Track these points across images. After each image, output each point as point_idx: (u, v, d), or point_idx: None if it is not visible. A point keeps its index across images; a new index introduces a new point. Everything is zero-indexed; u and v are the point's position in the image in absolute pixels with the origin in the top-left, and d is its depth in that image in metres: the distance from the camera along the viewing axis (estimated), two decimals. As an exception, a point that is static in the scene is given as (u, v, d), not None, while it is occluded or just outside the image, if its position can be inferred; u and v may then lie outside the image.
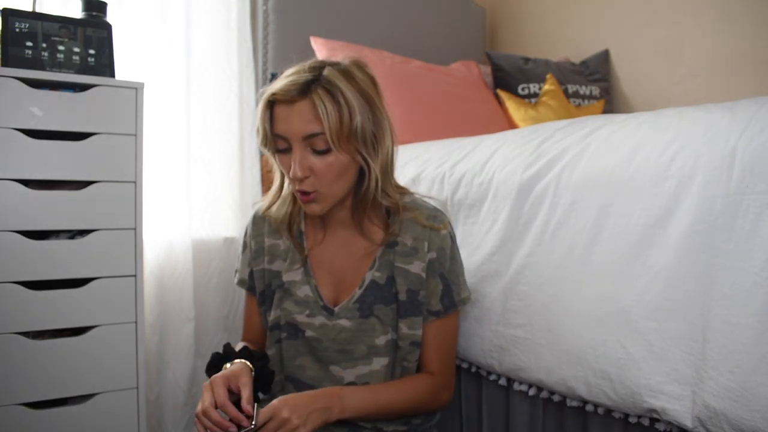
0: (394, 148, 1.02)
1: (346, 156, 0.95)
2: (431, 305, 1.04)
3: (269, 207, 1.09)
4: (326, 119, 0.90)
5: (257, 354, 1.00)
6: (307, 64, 0.96)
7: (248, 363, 0.96)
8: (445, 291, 1.04)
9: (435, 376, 1.05)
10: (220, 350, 1.01)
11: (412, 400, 1.02)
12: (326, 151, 0.93)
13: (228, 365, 0.96)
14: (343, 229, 1.06)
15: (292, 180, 0.96)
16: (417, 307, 1.03)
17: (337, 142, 0.92)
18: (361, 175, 0.99)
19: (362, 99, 0.94)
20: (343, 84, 0.93)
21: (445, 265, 1.04)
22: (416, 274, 1.02)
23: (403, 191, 1.07)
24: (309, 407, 0.89)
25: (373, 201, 1.01)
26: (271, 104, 0.95)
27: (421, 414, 1.07)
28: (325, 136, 0.91)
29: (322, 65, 0.95)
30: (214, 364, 0.99)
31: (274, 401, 0.89)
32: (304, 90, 0.91)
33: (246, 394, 0.88)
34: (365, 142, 0.95)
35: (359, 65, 0.98)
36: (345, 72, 0.95)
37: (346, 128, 0.92)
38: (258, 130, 0.97)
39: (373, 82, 0.99)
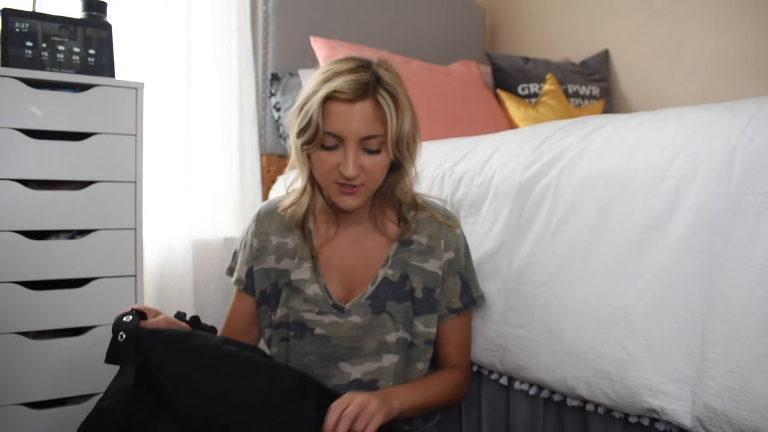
0: None
1: (391, 155, 0.97)
2: (452, 303, 1.07)
3: (289, 207, 1.07)
4: (390, 120, 0.92)
5: (205, 326, 1.00)
6: (350, 62, 0.95)
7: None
8: (464, 288, 1.07)
9: (460, 370, 1.10)
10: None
11: (446, 394, 1.06)
12: (378, 151, 0.95)
13: None
14: (355, 226, 1.07)
15: (344, 177, 0.95)
16: (432, 305, 1.05)
17: (392, 144, 0.94)
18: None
19: (408, 101, 0.96)
20: (399, 87, 0.94)
21: (462, 264, 1.07)
22: (432, 272, 1.04)
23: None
24: (376, 400, 0.91)
25: (393, 197, 1.03)
26: (325, 100, 0.93)
27: (448, 407, 1.12)
28: (384, 137, 0.93)
29: (370, 63, 0.95)
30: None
31: (344, 396, 0.89)
32: (366, 90, 0.92)
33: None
34: (408, 143, 0.97)
35: (389, 64, 0.99)
36: (392, 72, 0.96)
37: (402, 131, 0.94)
38: (308, 126, 0.94)
39: (402, 81, 1.00)
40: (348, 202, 0.98)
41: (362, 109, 0.92)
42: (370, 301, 1.03)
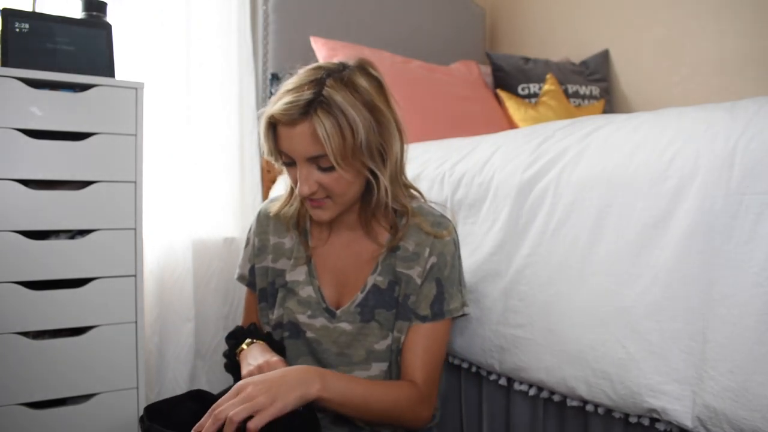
0: (404, 147, 1.00)
1: (353, 171, 0.94)
2: (420, 309, 1.02)
3: (280, 209, 1.09)
4: (327, 142, 0.89)
5: (277, 344, 1.06)
6: (308, 75, 0.93)
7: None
8: (437, 297, 1.02)
9: (416, 385, 0.99)
10: (224, 347, 1.04)
11: (390, 401, 0.95)
12: (331, 168, 0.92)
13: (250, 341, 1.03)
14: (348, 231, 1.07)
15: (300, 194, 0.96)
16: (407, 312, 1.03)
17: (341, 162, 0.91)
18: (370, 182, 0.98)
19: (366, 110, 0.92)
20: (345, 99, 0.90)
21: (444, 271, 1.03)
22: (414, 279, 1.02)
23: (410, 192, 1.06)
24: (278, 382, 0.82)
25: (382, 204, 1.00)
26: (273, 123, 0.94)
27: (396, 425, 0.99)
28: (328, 157, 0.90)
29: (324, 76, 0.92)
30: (236, 336, 1.07)
31: (236, 385, 0.82)
32: (303, 111, 0.89)
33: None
34: (372, 155, 0.93)
35: (364, 68, 0.96)
36: (348, 83, 0.92)
37: (350, 147, 0.90)
38: (266, 142, 0.97)
39: (379, 84, 0.97)
40: (318, 214, 0.99)
41: (302, 130, 0.90)
42: (359, 309, 1.02)
